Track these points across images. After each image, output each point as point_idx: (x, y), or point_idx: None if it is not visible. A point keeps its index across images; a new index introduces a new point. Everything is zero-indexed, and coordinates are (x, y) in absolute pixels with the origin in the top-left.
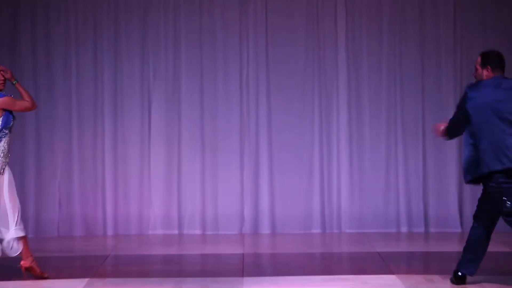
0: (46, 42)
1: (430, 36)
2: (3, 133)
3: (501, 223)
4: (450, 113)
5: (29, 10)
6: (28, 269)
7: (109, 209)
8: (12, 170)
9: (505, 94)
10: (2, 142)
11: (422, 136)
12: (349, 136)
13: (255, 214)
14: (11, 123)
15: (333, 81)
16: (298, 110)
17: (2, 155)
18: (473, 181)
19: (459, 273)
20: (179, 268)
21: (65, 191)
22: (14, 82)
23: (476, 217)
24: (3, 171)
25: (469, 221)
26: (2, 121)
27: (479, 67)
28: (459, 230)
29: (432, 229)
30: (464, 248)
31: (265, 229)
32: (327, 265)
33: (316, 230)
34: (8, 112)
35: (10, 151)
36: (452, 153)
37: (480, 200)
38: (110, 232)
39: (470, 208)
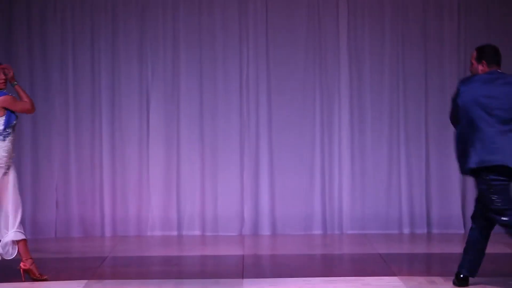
0: (43, 41)
1: (433, 36)
2: (7, 132)
3: None
4: None
5: (25, 10)
6: (27, 271)
7: (107, 210)
8: None
9: (499, 90)
10: (7, 141)
11: (425, 136)
12: (351, 136)
13: (255, 214)
14: (14, 122)
15: (334, 81)
16: (299, 110)
17: (6, 154)
18: (464, 173)
19: (461, 275)
20: (179, 269)
21: (63, 191)
22: (14, 83)
23: (473, 217)
24: (8, 171)
25: None
26: (5, 120)
27: (474, 62)
28: (462, 231)
29: (434, 230)
30: (464, 249)
31: (265, 230)
32: (328, 266)
33: (317, 231)
34: (10, 111)
35: (14, 150)
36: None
37: (476, 201)
38: (108, 233)
39: (473, 209)
